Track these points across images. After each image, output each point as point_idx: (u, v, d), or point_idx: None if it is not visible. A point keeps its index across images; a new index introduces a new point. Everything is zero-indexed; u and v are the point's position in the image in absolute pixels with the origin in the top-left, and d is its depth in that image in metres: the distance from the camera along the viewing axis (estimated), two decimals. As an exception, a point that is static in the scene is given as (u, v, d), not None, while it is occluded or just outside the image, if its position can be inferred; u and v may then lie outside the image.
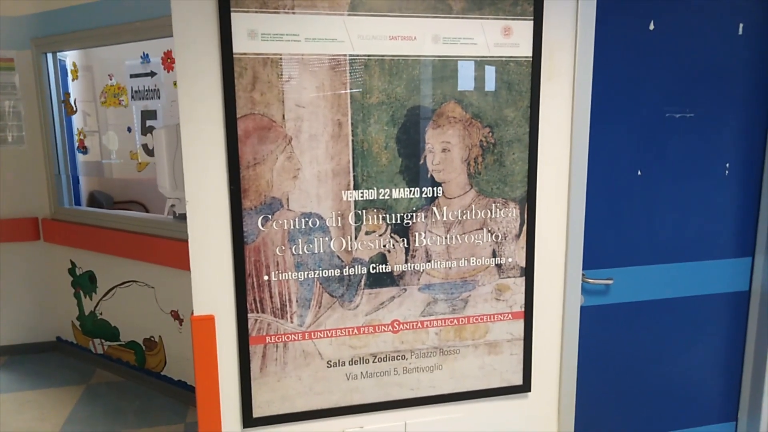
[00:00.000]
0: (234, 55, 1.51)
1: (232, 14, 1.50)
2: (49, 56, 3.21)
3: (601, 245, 1.99)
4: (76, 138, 3.28)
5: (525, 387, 1.89)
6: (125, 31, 2.77)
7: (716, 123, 2.02)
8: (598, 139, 1.89)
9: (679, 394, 2.19)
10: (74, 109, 3.25)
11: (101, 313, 3.30)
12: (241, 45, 1.52)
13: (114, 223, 3.11)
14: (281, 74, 1.55)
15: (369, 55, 1.60)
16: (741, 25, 1.97)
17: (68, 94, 3.26)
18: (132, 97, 2.93)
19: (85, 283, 3.33)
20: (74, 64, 3.18)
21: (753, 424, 2.21)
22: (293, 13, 1.53)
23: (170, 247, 2.83)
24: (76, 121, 3.28)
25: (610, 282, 2.00)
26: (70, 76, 3.23)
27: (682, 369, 2.17)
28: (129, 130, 3.02)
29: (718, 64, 1.98)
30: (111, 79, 3.03)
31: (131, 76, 2.88)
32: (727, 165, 2.06)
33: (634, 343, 2.10)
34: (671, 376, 2.16)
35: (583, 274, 1.97)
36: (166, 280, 2.93)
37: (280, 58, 1.54)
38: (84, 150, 3.28)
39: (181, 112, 1.52)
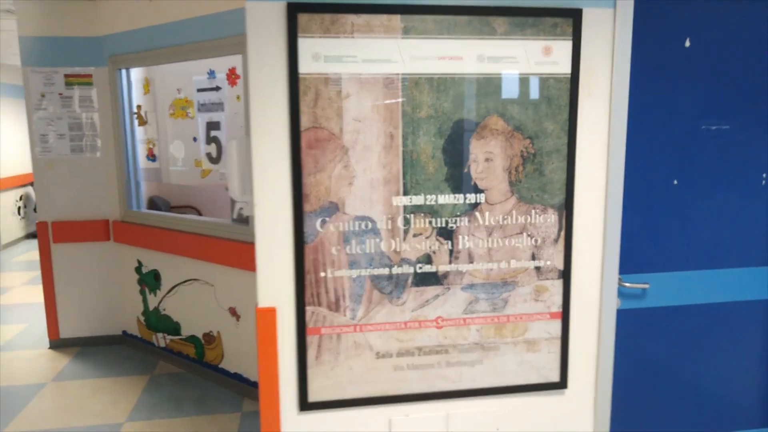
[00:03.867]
0: (300, 75, 1.70)
1: (299, 39, 1.69)
2: (123, 72, 3.53)
3: (638, 251, 2.08)
4: (145, 147, 3.58)
5: (562, 384, 1.99)
6: (194, 49, 3.04)
7: (752, 135, 2.09)
8: (635, 150, 2.00)
9: (715, 398, 2.24)
10: (145, 120, 3.55)
11: (164, 309, 3.57)
12: (306, 66, 1.70)
13: (178, 225, 3.38)
14: (340, 92, 1.73)
15: (419, 74, 1.76)
16: (779, 41, 2.04)
17: (140, 107, 3.57)
18: (198, 109, 3.19)
19: (150, 280, 3.61)
20: (146, 79, 3.48)
21: (792, 432, 2.24)
22: (352, 37, 1.71)
23: (230, 248, 3.06)
24: (146, 131, 3.59)
25: (646, 286, 2.08)
26: (141, 90, 3.53)
27: (718, 373, 2.22)
28: (195, 140, 3.28)
29: (755, 79, 2.05)
30: (179, 93, 3.31)
31: (198, 90, 3.15)
32: (764, 175, 2.12)
33: (670, 346, 2.17)
34: (707, 379, 2.22)
35: (619, 278, 2.07)
36: (225, 279, 3.17)
37: (340, 78, 1.72)
38: (153, 158, 3.58)
39: (252, 125, 1.72)
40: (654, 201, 2.08)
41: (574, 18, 1.80)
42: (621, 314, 2.11)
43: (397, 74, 1.75)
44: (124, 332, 3.92)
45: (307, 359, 1.85)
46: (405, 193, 1.82)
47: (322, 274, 1.81)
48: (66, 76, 3.55)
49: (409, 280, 1.86)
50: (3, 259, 7.08)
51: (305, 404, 1.87)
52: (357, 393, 1.90)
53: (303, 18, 1.68)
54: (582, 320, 1.99)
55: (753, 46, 2.03)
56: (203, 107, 3.14)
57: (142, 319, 3.75)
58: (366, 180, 1.79)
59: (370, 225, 1.81)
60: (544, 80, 1.82)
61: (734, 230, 2.14)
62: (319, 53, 1.71)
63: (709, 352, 2.19)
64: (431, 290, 1.88)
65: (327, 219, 1.79)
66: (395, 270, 1.85)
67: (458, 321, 1.91)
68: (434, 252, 1.86)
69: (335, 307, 1.84)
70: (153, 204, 4.38)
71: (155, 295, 3.61)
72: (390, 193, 1.81)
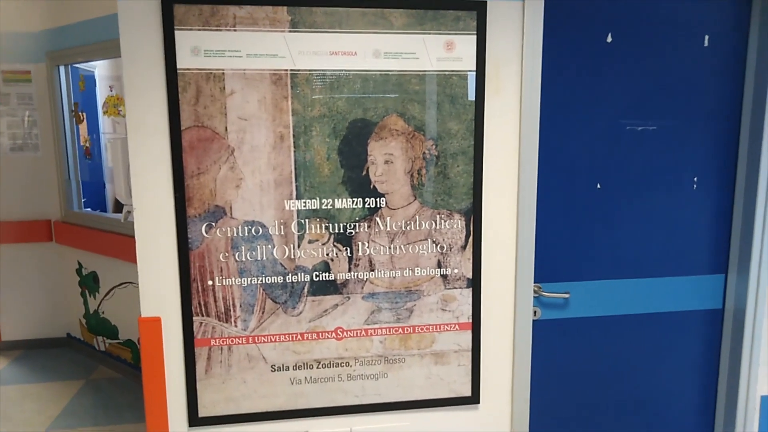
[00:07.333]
0: (178, 71, 1.59)
1: (176, 32, 1.58)
2: (62, 68, 3.42)
3: (559, 259, 1.97)
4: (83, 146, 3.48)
5: (474, 399, 1.89)
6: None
7: (682, 136, 1.98)
8: (553, 152, 1.89)
9: (647, 411, 2.13)
10: (82, 118, 3.44)
11: (103, 312, 3.47)
12: (184, 61, 1.59)
13: (113, 226, 3.27)
14: (224, 88, 1.62)
15: (310, 70, 1.65)
16: (707, 37, 1.93)
17: (77, 104, 3.46)
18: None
19: (89, 283, 3.50)
20: (81, 77, 3.38)
21: (727, 447, 2.14)
22: (235, 30, 1.60)
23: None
24: (85, 129, 3.48)
25: (566, 296, 1.97)
26: (79, 87, 3.43)
27: (650, 385, 2.11)
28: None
29: (683, 77, 1.94)
30: (111, 91, 3.20)
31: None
32: (695, 179, 2.01)
33: (596, 357, 2.06)
34: (638, 392, 2.11)
35: (539, 287, 1.96)
36: (157, 283, 3.06)
37: (223, 73, 1.61)
38: (90, 157, 3.47)
39: (128, 124, 1.61)
40: (577, 206, 1.97)
41: (477, 11, 1.69)
42: (542, 324, 2.00)
43: (286, 70, 1.64)
44: (69, 335, 3.82)
45: (197, 372, 1.75)
46: (298, 197, 1.71)
47: (210, 283, 1.71)
48: (3, 72, 3.44)
49: (306, 289, 1.75)
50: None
51: (195, 419, 1.77)
52: (252, 407, 1.80)
53: (179, 9, 1.57)
54: (495, 331, 1.88)
55: (683, 42, 1.92)
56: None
57: (83, 321, 3.65)
58: (255, 182, 1.68)
59: (260, 230, 1.70)
60: (447, 77, 1.71)
61: (663, 237, 2.03)
62: (199, 47, 1.60)
63: (641, 363, 2.08)
64: (330, 299, 1.77)
65: (213, 224, 1.68)
66: (290, 278, 1.74)
67: (359, 332, 1.80)
68: (332, 259, 1.75)
69: (225, 317, 1.73)
70: (118, 204, 4.27)
71: (95, 297, 3.51)
72: (282, 196, 1.70)
